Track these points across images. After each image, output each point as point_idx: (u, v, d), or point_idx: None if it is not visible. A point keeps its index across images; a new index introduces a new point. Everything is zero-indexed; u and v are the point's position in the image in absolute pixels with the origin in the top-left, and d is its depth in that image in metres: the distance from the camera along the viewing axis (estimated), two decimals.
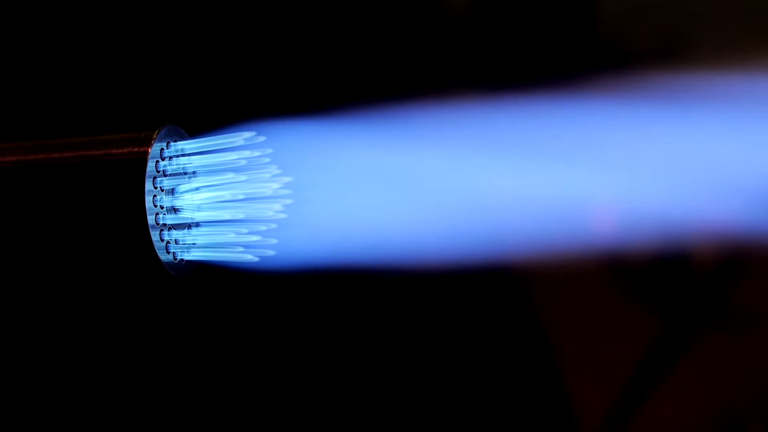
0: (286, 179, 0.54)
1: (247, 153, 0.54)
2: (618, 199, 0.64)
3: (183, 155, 0.54)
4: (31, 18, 1.07)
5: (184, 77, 1.08)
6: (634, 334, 1.17)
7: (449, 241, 0.62)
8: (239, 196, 0.54)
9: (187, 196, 0.54)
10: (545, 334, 1.17)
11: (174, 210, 0.54)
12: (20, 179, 0.53)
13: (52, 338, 1.04)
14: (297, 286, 1.03)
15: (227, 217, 0.54)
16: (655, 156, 0.63)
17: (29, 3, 1.07)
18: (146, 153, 0.52)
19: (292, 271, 0.56)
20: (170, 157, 0.54)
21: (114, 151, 0.52)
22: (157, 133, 0.53)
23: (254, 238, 0.54)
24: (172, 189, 0.54)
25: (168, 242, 0.53)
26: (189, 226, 0.54)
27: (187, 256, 0.54)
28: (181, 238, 0.54)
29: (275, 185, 0.54)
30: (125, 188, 0.51)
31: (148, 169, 0.52)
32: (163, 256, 0.53)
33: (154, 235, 0.52)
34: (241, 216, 0.54)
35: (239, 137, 0.54)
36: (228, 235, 0.54)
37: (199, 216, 0.54)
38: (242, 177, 0.54)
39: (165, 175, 0.53)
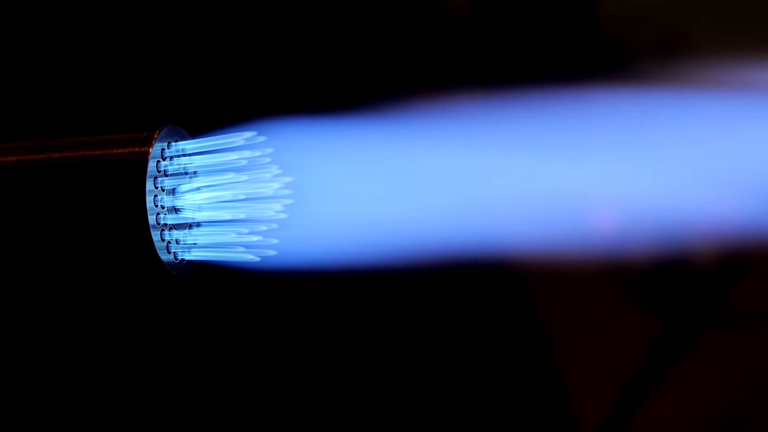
0: (287, 179, 0.54)
1: (247, 153, 0.54)
2: (618, 199, 0.64)
3: (184, 155, 0.54)
4: (31, 18, 1.07)
5: (184, 77, 1.09)
6: (634, 334, 1.17)
7: (449, 240, 0.62)
8: (240, 196, 0.54)
9: (188, 196, 0.54)
10: (545, 333, 1.17)
11: (175, 210, 0.54)
12: (20, 179, 0.53)
13: (52, 338, 1.04)
14: (297, 286, 1.03)
15: (228, 217, 0.54)
16: (656, 156, 0.63)
17: (29, 3, 1.07)
18: (147, 153, 0.52)
19: (293, 271, 0.56)
20: (171, 157, 0.54)
21: (115, 151, 0.52)
22: (158, 133, 0.53)
23: (255, 238, 0.54)
24: (173, 189, 0.54)
25: (169, 242, 0.53)
26: (190, 226, 0.54)
27: (187, 256, 0.54)
28: (182, 238, 0.54)
29: (276, 185, 0.54)
30: (126, 188, 0.51)
31: (149, 169, 0.52)
32: (164, 256, 0.53)
33: (155, 235, 0.52)
34: (241, 216, 0.54)
35: (240, 137, 0.54)
36: (229, 235, 0.54)
37: (199, 216, 0.54)
38: (243, 177, 0.54)
39: (166, 175, 0.53)
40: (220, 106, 1.06)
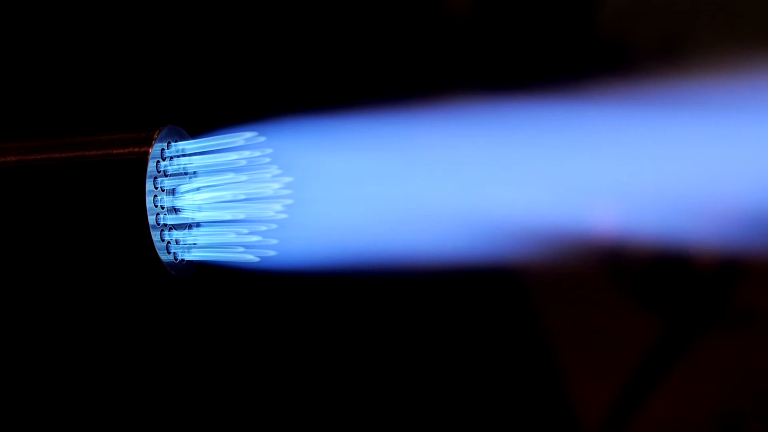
0: (287, 179, 0.54)
1: (247, 153, 0.54)
2: (618, 198, 0.64)
3: (184, 155, 0.54)
4: (31, 18, 1.07)
5: (184, 77, 1.09)
6: (634, 334, 1.17)
7: (449, 241, 0.62)
8: (240, 196, 0.54)
9: (187, 196, 0.54)
10: (545, 334, 1.17)
11: (175, 210, 0.54)
12: (20, 179, 0.53)
13: (52, 338, 1.04)
14: (297, 287, 1.03)
15: (228, 217, 0.54)
16: (655, 156, 0.63)
17: (29, 3, 1.07)
18: (147, 153, 0.52)
19: (293, 272, 0.56)
20: (171, 157, 0.54)
21: (115, 151, 0.52)
22: (158, 133, 0.53)
23: (255, 238, 0.54)
24: (173, 189, 0.54)
25: (169, 242, 0.53)
26: (190, 226, 0.54)
27: (187, 257, 0.54)
28: (181, 239, 0.54)
29: (276, 185, 0.54)
30: (126, 188, 0.51)
31: (148, 169, 0.52)
32: (164, 257, 0.53)
33: (155, 236, 0.52)
34: (241, 216, 0.54)
35: (239, 137, 0.54)
36: (229, 235, 0.54)
37: (199, 216, 0.54)
38: (243, 177, 0.54)
39: (166, 175, 0.53)
40: (220, 106, 1.06)
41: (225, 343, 1.08)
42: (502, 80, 1.19)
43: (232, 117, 0.56)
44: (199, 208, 0.54)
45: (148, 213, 0.51)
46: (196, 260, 0.55)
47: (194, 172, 0.54)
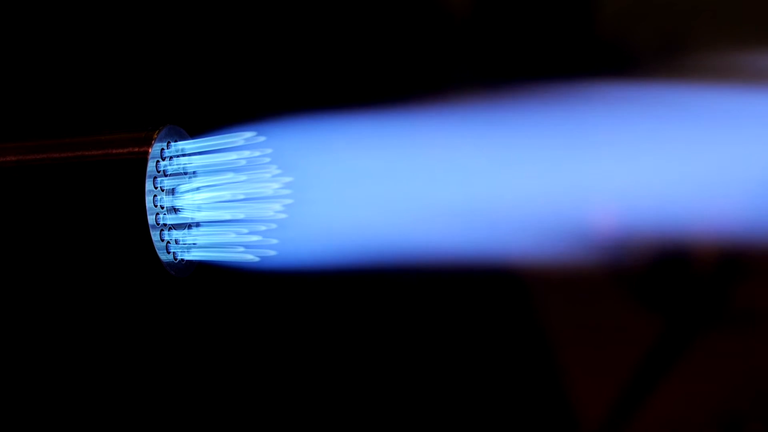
0: (286, 179, 0.54)
1: (247, 153, 0.54)
2: (618, 198, 0.64)
3: (183, 155, 0.54)
4: (31, 18, 1.07)
5: (184, 77, 1.09)
6: (634, 334, 1.17)
7: (449, 241, 0.62)
8: (239, 196, 0.54)
9: (187, 196, 0.54)
10: (545, 334, 1.17)
11: (174, 210, 0.54)
12: (20, 179, 0.53)
13: (52, 338, 1.04)
14: (297, 287, 1.03)
15: (227, 217, 0.54)
16: (655, 155, 0.63)
17: (29, 3, 1.07)
18: (147, 153, 0.52)
19: (293, 272, 0.56)
20: (171, 157, 0.54)
21: (114, 151, 0.52)
22: (158, 133, 0.53)
23: (254, 238, 0.54)
24: (173, 189, 0.54)
25: (168, 242, 0.53)
26: (189, 226, 0.54)
27: (187, 256, 0.54)
28: (181, 238, 0.54)
29: (275, 185, 0.54)
30: (125, 188, 0.51)
31: (148, 169, 0.52)
32: (164, 256, 0.53)
33: (155, 235, 0.52)
34: (241, 216, 0.54)
35: (239, 137, 0.54)
36: (228, 235, 0.54)
37: (199, 216, 0.54)
38: (242, 177, 0.54)
39: (165, 175, 0.53)
40: (220, 106, 1.06)
41: (225, 343, 1.08)
42: (502, 80, 1.19)
43: (232, 117, 0.56)
44: (199, 208, 0.54)
45: (148, 213, 0.51)
46: (196, 260, 0.55)
47: (194, 172, 0.54)
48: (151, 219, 0.52)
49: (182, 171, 0.54)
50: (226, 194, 0.54)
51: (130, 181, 0.51)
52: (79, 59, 1.07)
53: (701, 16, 1.17)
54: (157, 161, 0.53)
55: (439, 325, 1.14)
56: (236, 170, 0.54)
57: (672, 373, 1.14)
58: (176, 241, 0.54)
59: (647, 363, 1.15)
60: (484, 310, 1.16)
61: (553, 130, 0.62)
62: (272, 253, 0.54)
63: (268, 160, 0.54)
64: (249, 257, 0.54)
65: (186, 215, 0.54)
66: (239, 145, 0.54)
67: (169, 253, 0.53)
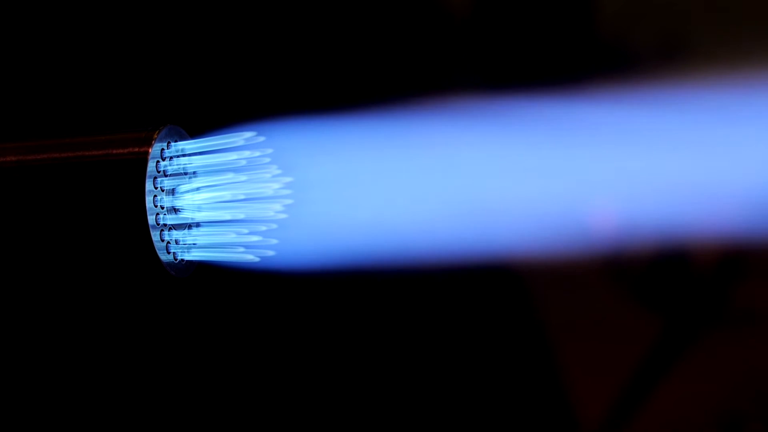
0: (287, 179, 0.54)
1: (247, 153, 0.54)
2: (618, 198, 0.64)
3: (183, 155, 0.54)
4: (31, 18, 1.07)
5: (184, 77, 1.09)
6: (634, 334, 1.17)
7: (449, 241, 0.62)
8: (240, 196, 0.54)
9: (187, 196, 0.54)
10: (545, 333, 1.17)
11: (174, 210, 0.54)
12: (20, 179, 0.53)
13: (52, 338, 1.04)
14: (297, 287, 1.03)
15: (228, 217, 0.54)
16: (655, 155, 0.63)
17: (29, 3, 1.07)
18: (147, 153, 0.52)
19: (293, 272, 0.56)
20: (171, 157, 0.54)
21: (114, 151, 0.52)
22: (158, 133, 0.53)
23: (255, 238, 0.54)
24: (173, 189, 0.54)
25: (168, 242, 0.53)
26: (189, 226, 0.54)
27: (187, 257, 0.54)
28: (181, 239, 0.54)
29: (275, 185, 0.54)
30: (126, 188, 0.51)
31: (148, 169, 0.52)
32: (164, 257, 0.53)
33: (155, 236, 0.52)
34: (241, 216, 0.54)
35: (239, 137, 0.54)
36: (228, 235, 0.54)
37: (199, 216, 0.54)
38: (242, 177, 0.54)
39: (165, 176, 0.53)
40: (220, 106, 1.06)
41: (225, 343, 1.08)
42: (502, 80, 1.19)
43: (231, 117, 0.56)
44: (199, 208, 0.54)
45: (148, 213, 0.51)
46: (196, 260, 0.55)
47: (194, 172, 0.54)
48: (151, 219, 0.52)
49: (182, 171, 0.54)
50: (226, 194, 0.54)
51: (130, 181, 0.51)
52: (79, 59, 1.07)
53: (701, 16, 1.17)
54: (158, 161, 0.53)
55: (439, 325, 1.14)
56: (236, 170, 0.54)
57: (672, 373, 1.14)
58: (176, 242, 0.54)
59: (647, 363, 1.15)
60: (484, 309, 1.17)
61: (552, 130, 0.62)
62: (272, 253, 0.54)
63: (268, 160, 0.54)
64: (249, 257, 0.54)
65: (186, 215, 0.54)
66: (239, 146, 0.54)
67: (169, 253, 0.53)
